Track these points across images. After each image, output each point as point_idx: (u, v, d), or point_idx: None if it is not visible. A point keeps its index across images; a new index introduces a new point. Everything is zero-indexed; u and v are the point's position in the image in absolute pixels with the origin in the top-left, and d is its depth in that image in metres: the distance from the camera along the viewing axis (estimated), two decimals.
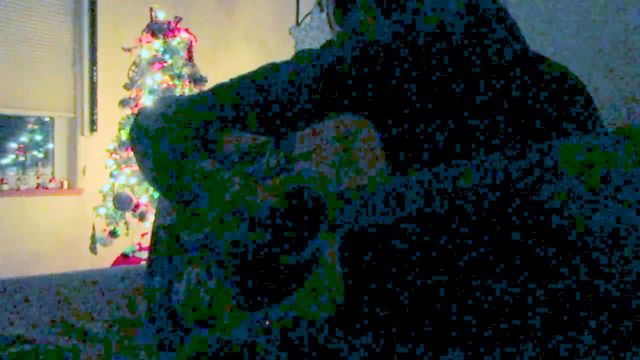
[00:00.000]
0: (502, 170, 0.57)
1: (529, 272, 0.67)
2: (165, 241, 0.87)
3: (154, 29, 3.24)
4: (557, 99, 0.69)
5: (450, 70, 0.72)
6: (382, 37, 0.71)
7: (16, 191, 3.30)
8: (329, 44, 0.85)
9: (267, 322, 0.73)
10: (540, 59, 0.74)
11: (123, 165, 3.14)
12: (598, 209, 0.61)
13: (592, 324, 0.63)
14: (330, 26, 0.77)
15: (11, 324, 1.40)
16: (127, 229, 3.16)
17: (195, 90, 3.23)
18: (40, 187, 3.38)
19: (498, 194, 0.58)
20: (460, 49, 0.72)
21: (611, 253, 0.62)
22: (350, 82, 0.78)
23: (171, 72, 3.18)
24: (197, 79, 3.26)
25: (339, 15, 0.75)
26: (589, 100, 0.71)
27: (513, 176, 0.56)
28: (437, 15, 0.70)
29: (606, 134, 0.51)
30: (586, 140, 0.51)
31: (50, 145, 3.58)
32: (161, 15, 3.30)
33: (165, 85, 3.16)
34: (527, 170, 0.55)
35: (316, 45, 0.86)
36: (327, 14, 0.77)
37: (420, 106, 0.73)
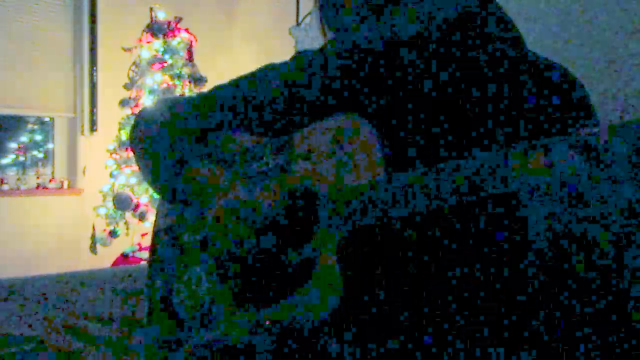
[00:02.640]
0: (493, 174, 0.57)
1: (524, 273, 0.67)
2: (165, 242, 0.87)
3: (154, 29, 3.24)
4: (550, 97, 0.70)
5: (444, 70, 0.72)
6: (377, 40, 0.71)
7: (16, 191, 3.30)
8: (326, 45, 0.85)
9: (267, 322, 0.73)
10: (535, 57, 0.75)
11: (123, 165, 3.14)
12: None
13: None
14: (323, 32, 0.78)
15: (11, 324, 1.40)
16: (127, 229, 3.16)
17: (195, 90, 3.23)
18: (40, 187, 3.38)
19: (490, 196, 0.58)
20: (453, 49, 0.73)
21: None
22: (348, 83, 0.78)
23: (171, 72, 3.18)
24: (197, 79, 3.26)
25: (331, 20, 0.75)
26: (584, 98, 0.71)
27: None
28: (427, 16, 0.70)
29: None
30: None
31: (50, 145, 3.58)
32: (161, 15, 3.30)
33: (165, 85, 3.17)
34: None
35: (316, 45, 0.87)
36: (320, 20, 0.78)
37: (417, 107, 0.73)
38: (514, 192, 0.58)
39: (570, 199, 0.58)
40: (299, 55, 0.88)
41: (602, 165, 0.52)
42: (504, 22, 0.77)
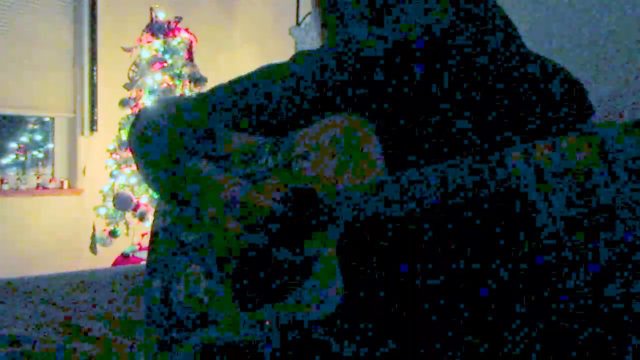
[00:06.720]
0: (493, 170, 0.58)
1: (529, 272, 0.67)
2: (164, 241, 0.87)
3: (154, 29, 3.24)
4: (548, 95, 0.70)
5: (443, 72, 0.73)
6: (376, 42, 0.71)
7: (16, 191, 3.30)
8: (324, 45, 0.85)
9: (267, 322, 0.73)
10: (534, 56, 0.75)
11: (123, 165, 3.14)
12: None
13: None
14: (322, 32, 0.78)
15: (10, 324, 1.40)
16: (127, 229, 3.16)
17: (195, 90, 3.23)
18: (40, 187, 3.38)
19: (492, 192, 0.58)
20: (451, 51, 0.72)
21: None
22: (348, 84, 0.78)
23: (171, 72, 3.18)
24: (197, 79, 3.26)
25: (332, 22, 0.75)
26: (582, 97, 0.71)
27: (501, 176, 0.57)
28: (426, 19, 0.70)
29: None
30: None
31: (50, 145, 3.57)
32: (161, 15, 3.30)
33: (165, 85, 3.17)
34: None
35: (316, 45, 0.87)
36: (319, 20, 0.78)
37: (417, 107, 0.73)
38: (516, 189, 0.59)
39: (581, 190, 0.58)
40: (298, 56, 0.88)
41: (614, 161, 0.52)
42: (502, 21, 0.77)
